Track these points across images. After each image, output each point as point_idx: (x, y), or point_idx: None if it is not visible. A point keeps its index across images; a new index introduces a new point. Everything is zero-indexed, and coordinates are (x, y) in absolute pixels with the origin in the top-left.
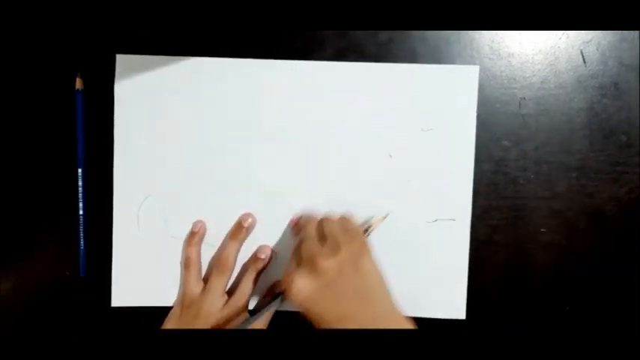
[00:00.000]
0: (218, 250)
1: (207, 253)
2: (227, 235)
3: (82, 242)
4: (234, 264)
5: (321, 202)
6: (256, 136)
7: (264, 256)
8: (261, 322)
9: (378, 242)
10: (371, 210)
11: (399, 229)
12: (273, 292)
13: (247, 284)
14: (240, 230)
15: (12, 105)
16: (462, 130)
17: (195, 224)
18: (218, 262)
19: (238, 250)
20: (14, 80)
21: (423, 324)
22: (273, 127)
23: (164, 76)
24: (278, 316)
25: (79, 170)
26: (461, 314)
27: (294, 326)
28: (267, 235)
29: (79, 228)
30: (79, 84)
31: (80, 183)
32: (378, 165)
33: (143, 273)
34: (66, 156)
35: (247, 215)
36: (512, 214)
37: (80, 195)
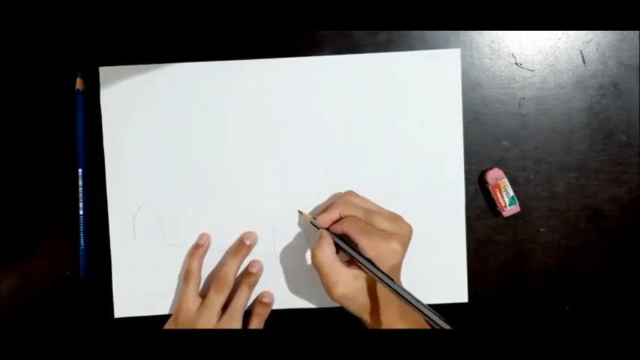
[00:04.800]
0: (217, 266)
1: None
2: (228, 252)
3: (82, 242)
4: (233, 281)
5: (321, 200)
6: (248, 138)
7: (256, 270)
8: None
9: None
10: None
11: None
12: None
13: (240, 300)
14: (241, 248)
15: (12, 105)
16: (449, 116)
17: (201, 237)
18: (217, 279)
19: (238, 268)
20: (14, 80)
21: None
22: (264, 129)
23: (150, 84)
24: (278, 316)
25: (80, 170)
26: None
27: (293, 326)
28: (262, 238)
29: (79, 228)
30: (79, 84)
31: (80, 183)
32: (373, 159)
33: (143, 283)
34: (66, 156)
35: (250, 233)
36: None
37: (80, 195)
